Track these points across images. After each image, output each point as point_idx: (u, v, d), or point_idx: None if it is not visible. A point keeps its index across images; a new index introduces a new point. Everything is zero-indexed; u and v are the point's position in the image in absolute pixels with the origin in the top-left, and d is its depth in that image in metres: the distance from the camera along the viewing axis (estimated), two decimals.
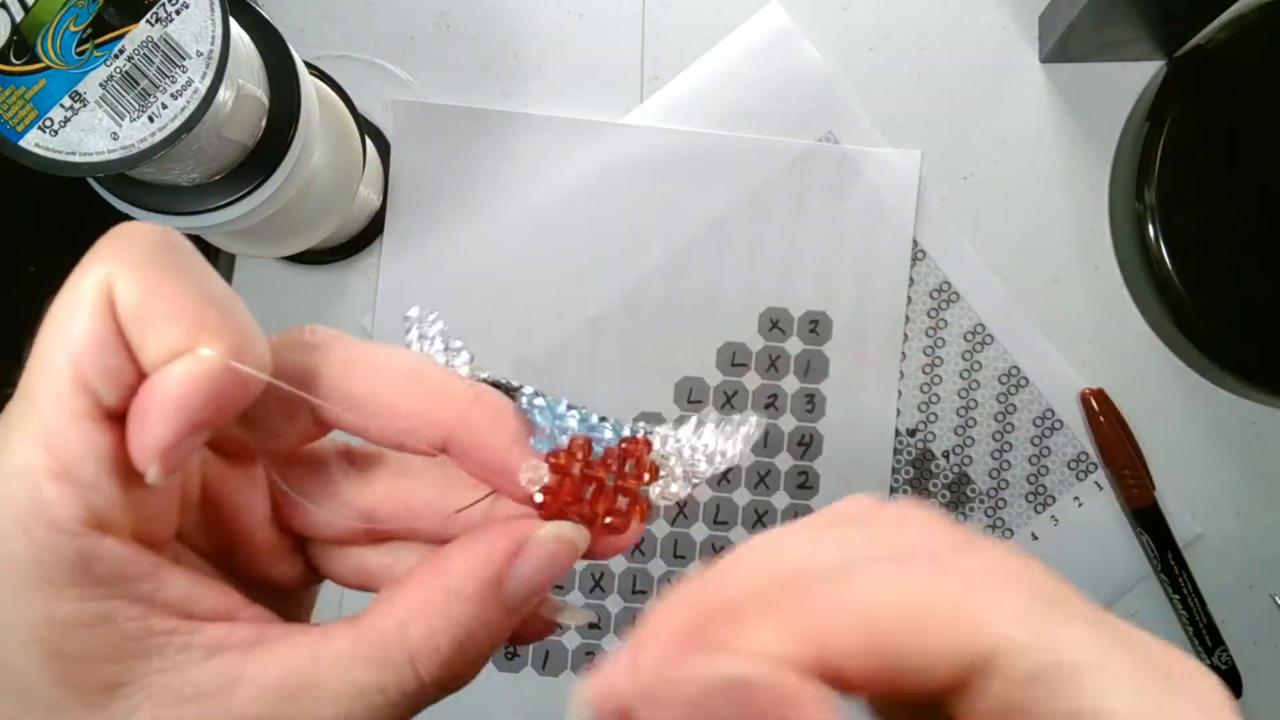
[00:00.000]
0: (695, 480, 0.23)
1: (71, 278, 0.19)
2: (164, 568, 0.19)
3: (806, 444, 0.55)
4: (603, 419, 0.23)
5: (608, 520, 0.22)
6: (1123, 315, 0.55)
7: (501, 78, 0.54)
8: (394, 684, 0.20)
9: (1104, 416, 0.54)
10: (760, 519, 0.55)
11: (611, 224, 0.54)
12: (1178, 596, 0.54)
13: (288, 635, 0.20)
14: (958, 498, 0.55)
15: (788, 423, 0.55)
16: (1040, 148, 0.55)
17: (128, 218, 0.38)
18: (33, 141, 0.32)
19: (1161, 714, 0.16)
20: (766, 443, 0.55)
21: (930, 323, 0.55)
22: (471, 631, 0.20)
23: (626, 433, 0.23)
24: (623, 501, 0.22)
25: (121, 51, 0.32)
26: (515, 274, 0.54)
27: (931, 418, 0.55)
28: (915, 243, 0.55)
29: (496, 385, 0.23)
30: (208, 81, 0.33)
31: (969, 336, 0.55)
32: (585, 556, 0.22)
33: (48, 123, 0.32)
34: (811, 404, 0.55)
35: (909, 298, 0.55)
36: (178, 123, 0.33)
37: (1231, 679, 0.55)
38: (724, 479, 0.55)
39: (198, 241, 0.50)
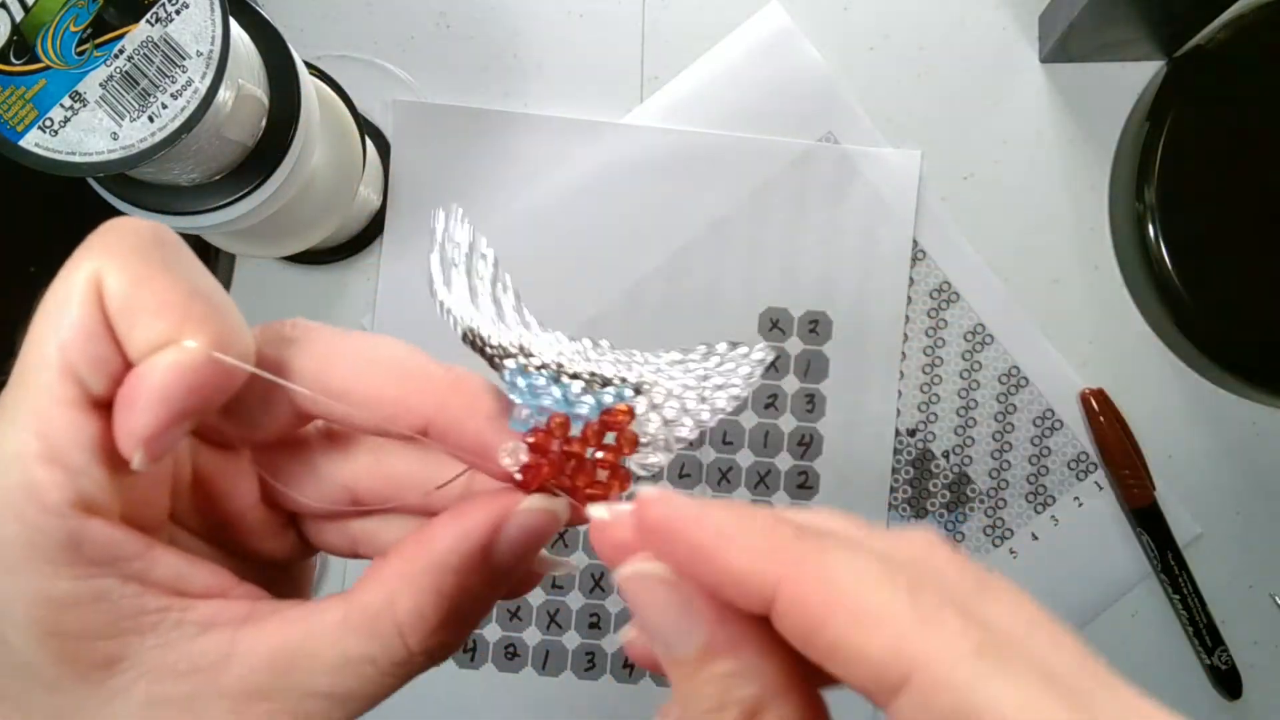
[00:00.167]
0: (679, 446, 0.23)
1: (62, 271, 0.19)
2: (155, 548, 0.20)
3: (806, 444, 0.55)
4: (586, 388, 0.23)
5: (589, 492, 0.22)
6: (1123, 315, 0.55)
7: (501, 78, 0.54)
8: (383, 654, 0.20)
9: (1104, 416, 0.54)
10: None
11: (611, 224, 0.54)
12: (1178, 596, 0.54)
13: (279, 610, 0.20)
14: (958, 498, 0.55)
15: (788, 423, 0.55)
16: (1040, 148, 0.55)
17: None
18: (33, 141, 0.32)
19: None
20: (767, 442, 0.55)
21: (930, 323, 0.55)
22: (457, 602, 0.21)
23: (609, 400, 0.23)
24: (602, 474, 0.22)
25: (121, 51, 0.32)
26: (515, 274, 0.54)
27: (931, 418, 0.55)
28: (915, 243, 0.55)
29: (485, 346, 0.23)
30: (208, 81, 0.33)
31: (969, 336, 0.55)
32: (571, 524, 0.23)
33: (48, 123, 0.32)
34: (811, 404, 0.55)
35: (909, 298, 0.55)
36: (178, 123, 0.33)
37: (1231, 679, 0.55)
38: (724, 479, 0.55)
39: (198, 241, 0.50)
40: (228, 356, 0.19)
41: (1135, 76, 0.54)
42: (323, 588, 0.54)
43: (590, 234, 0.54)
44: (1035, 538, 0.55)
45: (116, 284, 0.19)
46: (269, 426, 0.23)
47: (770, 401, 0.55)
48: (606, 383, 0.23)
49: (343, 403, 0.22)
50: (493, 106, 0.54)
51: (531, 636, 0.55)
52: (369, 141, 0.49)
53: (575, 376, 0.23)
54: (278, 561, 0.25)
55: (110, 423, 0.19)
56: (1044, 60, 0.55)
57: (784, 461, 0.55)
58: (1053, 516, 0.55)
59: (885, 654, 0.17)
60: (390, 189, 0.54)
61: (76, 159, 0.32)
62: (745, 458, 0.55)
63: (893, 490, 0.55)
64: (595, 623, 0.55)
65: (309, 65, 0.43)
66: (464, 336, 0.23)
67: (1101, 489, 0.55)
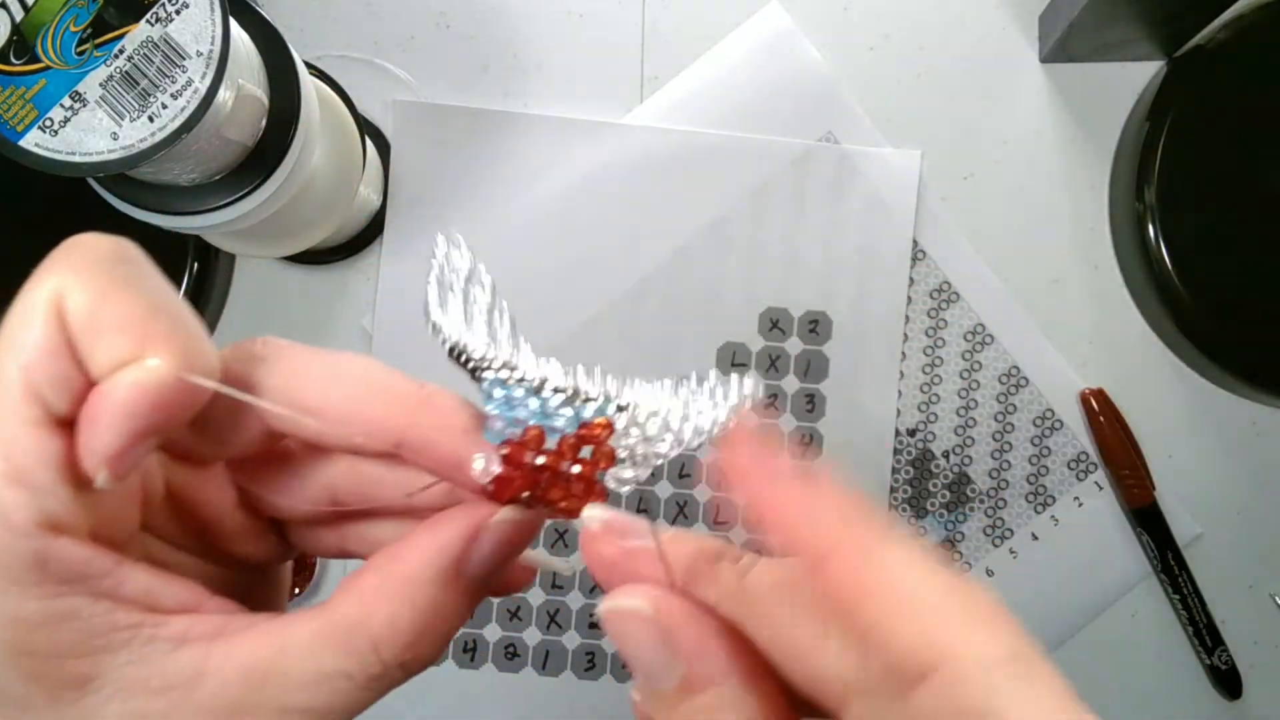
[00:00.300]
0: (657, 461, 0.23)
1: (24, 289, 0.19)
2: (124, 564, 0.20)
3: (806, 444, 0.55)
4: (566, 401, 0.23)
5: (562, 505, 0.22)
6: (1123, 315, 0.55)
7: (501, 78, 0.54)
8: (358, 669, 0.20)
9: (1104, 416, 0.54)
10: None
11: (611, 224, 0.54)
12: (1178, 596, 0.54)
13: (253, 625, 0.20)
14: (958, 498, 0.55)
15: (788, 423, 0.55)
16: (1040, 148, 0.55)
17: (128, 218, 0.38)
18: (33, 141, 0.32)
19: None
20: None
21: (930, 323, 0.55)
22: (432, 615, 0.21)
23: (589, 415, 0.23)
24: (577, 487, 0.22)
25: (121, 51, 0.32)
26: (515, 274, 0.54)
27: (931, 418, 0.55)
28: (915, 243, 0.55)
29: (467, 360, 0.23)
30: (208, 81, 0.33)
31: (969, 336, 0.55)
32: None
33: (48, 123, 0.32)
34: (811, 404, 0.55)
35: (909, 298, 0.55)
36: (178, 123, 0.33)
37: (1231, 679, 0.55)
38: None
39: (198, 241, 0.50)
40: (191, 374, 0.19)
41: (1135, 76, 0.54)
42: (324, 584, 0.54)
43: (590, 234, 0.54)
44: (1035, 538, 0.55)
45: (78, 302, 0.19)
46: (239, 443, 0.23)
47: (770, 401, 0.55)
48: (590, 399, 0.23)
49: (313, 420, 0.21)
50: (493, 106, 0.54)
51: (531, 636, 0.55)
52: (369, 141, 0.49)
53: (558, 390, 0.23)
54: (257, 564, 0.25)
55: (75, 440, 0.19)
56: (1044, 60, 0.55)
57: None
58: (1053, 516, 0.55)
59: (919, 641, 0.17)
60: (390, 189, 0.54)
61: (76, 159, 0.32)
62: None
63: (893, 490, 0.55)
64: (595, 623, 0.55)
65: (309, 65, 0.43)
66: (450, 352, 0.23)
67: (1101, 489, 0.55)
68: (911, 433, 0.55)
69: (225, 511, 0.23)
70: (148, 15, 0.32)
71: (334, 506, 0.24)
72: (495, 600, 0.55)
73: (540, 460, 0.22)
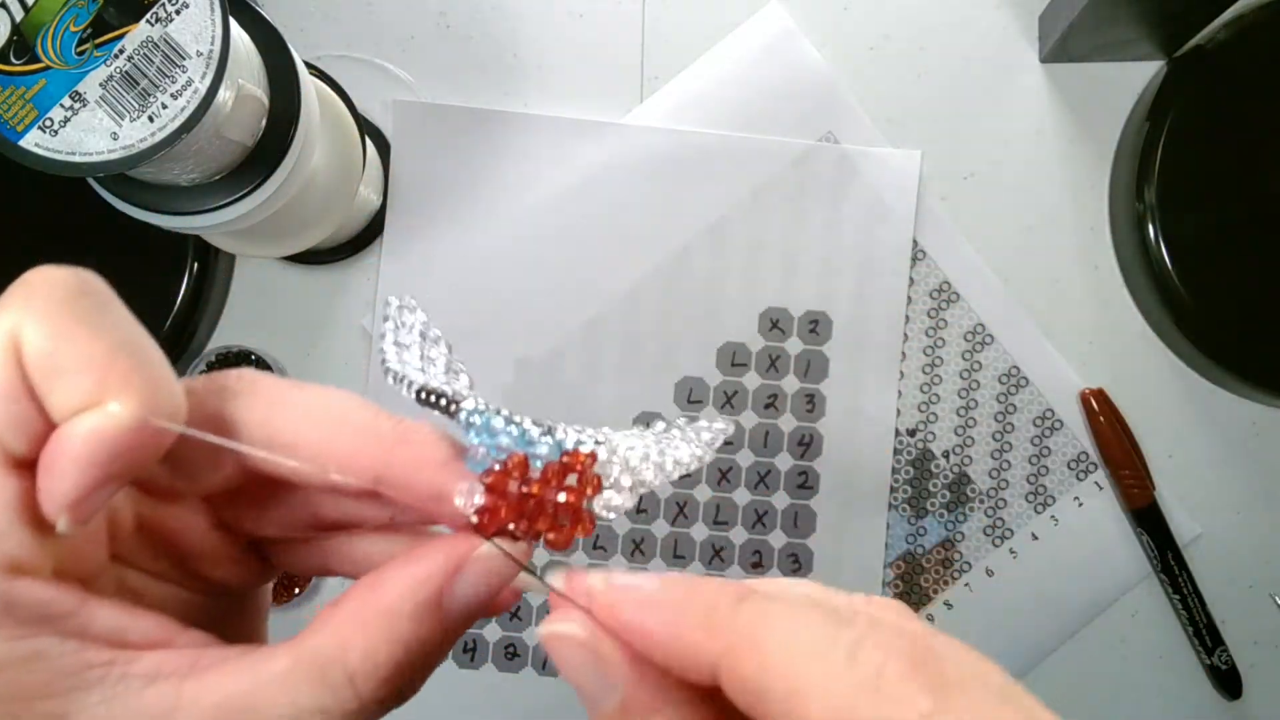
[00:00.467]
0: (642, 490, 0.22)
1: None
2: (90, 601, 0.19)
3: (806, 444, 0.55)
4: (547, 431, 0.22)
5: (550, 536, 0.22)
6: (1123, 315, 0.55)
7: (501, 78, 0.54)
8: (335, 704, 0.20)
9: (1104, 416, 0.54)
10: (760, 519, 0.55)
11: (612, 224, 0.54)
12: (1178, 596, 0.54)
13: (226, 659, 0.20)
14: (958, 498, 0.55)
15: (788, 423, 0.55)
16: (1040, 148, 0.55)
17: (128, 218, 0.38)
18: (33, 141, 0.32)
19: None
20: (767, 442, 0.55)
21: (930, 323, 0.55)
22: (411, 649, 0.20)
23: (570, 445, 0.22)
24: (564, 517, 0.22)
25: (121, 51, 0.32)
26: (515, 274, 0.54)
27: (931, 418, 0.55)
28: (915, 243, 0.55)
29: (440, 398, 0.22)
30: (208, 81, 0.33)
31: (969, 336, 0.55)
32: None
33: (48, 123, 0.32)
34: (811, 404, 0.55)
35: (909, 298, 0.55)
36: (178, 123, 0.33)
37: (1231, 679, 0.55)
38: (724, 479, 0.55)
39: (198, 241, 0.50)
40: (154, 417, 0.18)
41: (1135, 76, 0.54)
42: (322, 585, 0.54)
43: (590, 234, 0.54)
44: (1035, 538, 0.55)
45: (35, 340, 0.18)
46: (213, 480, 0.22)
47: (770, 401, 0.55)
48: (568, 432, 0.22)
49: (287, 457, 0.21)
50: (493, 106, 0.54)
51: (531, 636, 0.55)
52: (369, 141, 0.49)
53: (536, 424, 0.22)
54: (236, 589, 0.24)
55: (34, 482, 0.19)
56: (1044, 60, 0.55)
57: (784, 461, 0.55)
58: (1053, 516, 0.55)
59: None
60: (390, 189, 0.54)
61: (76, 159, 0.32)
62: (745, 458, 0.55)
63: (893, 490, 0.55)
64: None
65: (309, 65, 0.43)
66: (418, 396, 0.22)
67: (1101, 489, 0.55)
68: (911, 433, 0.55)
69: (199, 537, 0.23)
70: (148, 15, 0.32)
71: (315, 525, 0.23)
72: None
73: (525, 489, 0.21)
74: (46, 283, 0.19)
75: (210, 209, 0.38)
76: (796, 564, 0.55)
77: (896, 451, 0.55)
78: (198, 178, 0.37)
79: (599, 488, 0.22)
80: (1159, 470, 0.55)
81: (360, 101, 0.49)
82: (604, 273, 0.54)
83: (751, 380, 0.55)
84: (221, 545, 0.23)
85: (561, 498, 0.22)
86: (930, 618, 0.55)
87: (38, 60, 0.32)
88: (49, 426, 0.18)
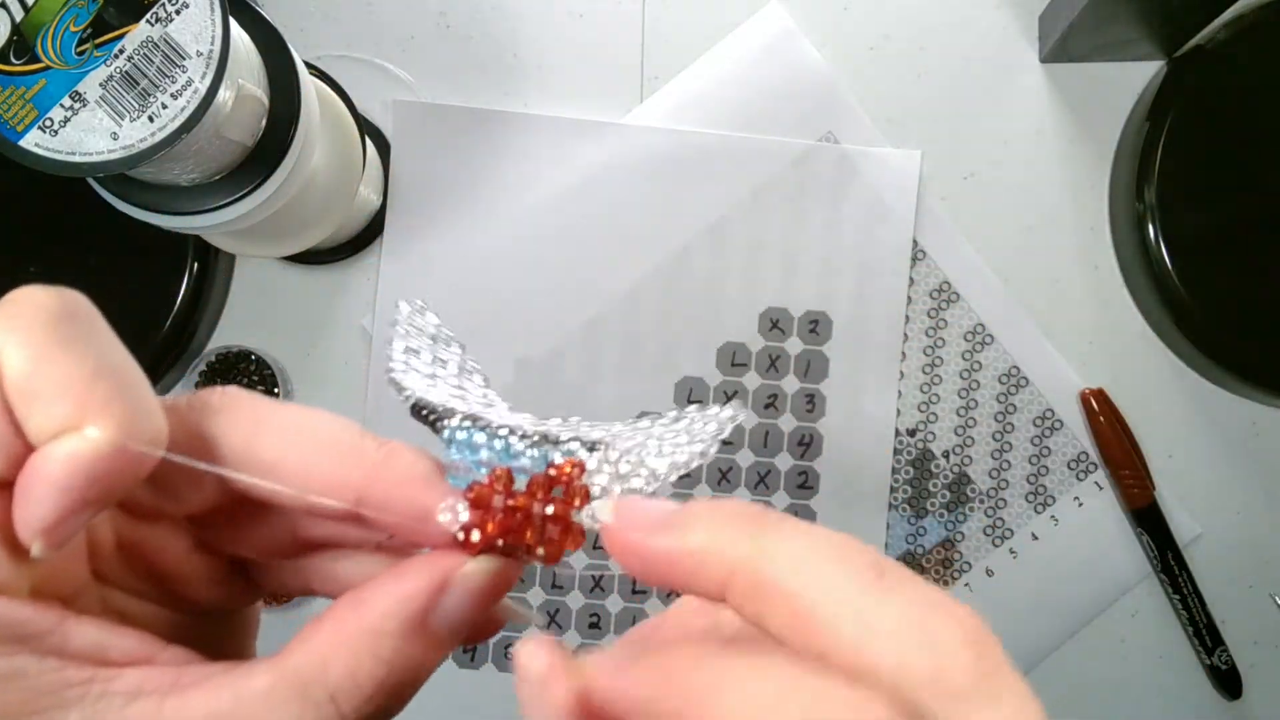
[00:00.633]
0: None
1: None
2: (69, 620, 0.19)
3: (806, 444, 0.55)
4: (534, 444, 0.22)
5: (539, 551, 0.21)
6: (1123, 315, 0.55)
7: (501, 78, 0.54)
8: None
9: (1104, 416, 0.54)
10: None
11: (612, 224, 0.54)
12: (1178, 596, 0.54)
13: (208, 676, 0.19)
14: (958, 498, 0.55)
15: (788, 423, 0.55)
16: (1040, 148, 0.55)
17: (128, 218, 0.38)
18: (33, 141, 0.32)
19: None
20: (767, 442, 0.55)
21: (930, 323, 0.55)
22: (394, 667, 0.20)
23: (558, 458, 0.22)
24: (553, 530, 0.21)
25: (121, 51, 0.32)
26: (515, 274, 0.54)
27: (931, 418, 0.55)
28: (915, 243, 0.55)
29: (429, 413, 0.22)
30: (208, 81, 0.33)
31: (969, 336, 0.55)
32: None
33: (48, 123, 0.32)
34: (811, 404, 0.55)
35: (909, 298, 0.55)
36: (178, 123, 0.33)
37: (1231, 679, 0.55)
38: (724, 479, 0.55)
39: (198, 241, 0.50)
40: (133, 442, 0.18)
41: (1135, 76, 0.54)
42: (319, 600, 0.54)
43: (590, 234, 0.54)
44: (1035, 538, 0.55)
45: (14, 362, 0.18)
46: (193, 501, 0.22)
47: (770, 401, 0.55)
48: (559, 442, 0.22)
49: (269, 478, 0.21)
50: (493, 106, 0.54)
51: (531, 635, 0.55)
52: (369, 141, 0.49)
53: (524, 437, 0.22)
54: (219, 608, 0.24)
55: (10, 505, 0.18)
56: (1044, 60, 0.55)
57: (784, 461, 0.55)
58: (1053, 516, 0.55)
59: (859, 673, 0.17)
60: (390, 189, 0.54)
61: (76, 159, 0.32)
62: (745, 458, 0.55)
63: (893, 490, 0.55)
64: (595, 623, 0.55)
65: (309, 65, 0.43)
66: (412, 410, 0.22)
67: (1101, 489, 0.55)
68: (911, 433, 0.55)
69: (180, 558, 0.23)
70: (148, 15, 0.32)
71: (298, 545, 0.23)
72: None
73: (510, 502, 0.21)
74: (28, 304, 0.19)
75: (210, 209, 0.38)
76: None
77: (896, 451, 0.55)
78: (198, 178, 0.37)
79: (587, 498, 0.21)
80: (1159, 470, 0.55)
81: (360, 101, 0.49)
82: (604, 273, 0.54)
83: (751, 380, 0.55)
84: (203, 566, 0.23)
85: (549, 510, 0.21)
86: None
87: (38, 60, 0.32)
88: (27, 449, 0.18)
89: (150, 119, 0.33)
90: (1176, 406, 0.55)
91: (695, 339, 0.55)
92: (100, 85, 0.32)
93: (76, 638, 0.19)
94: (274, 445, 0.21)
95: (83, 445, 0.18)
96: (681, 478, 0.55)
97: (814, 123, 0.55)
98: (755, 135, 0.54)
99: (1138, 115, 0.54)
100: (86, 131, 0.32)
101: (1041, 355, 0.55)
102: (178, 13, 0.32)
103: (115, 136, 0.32)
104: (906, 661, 0.17)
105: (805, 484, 0.55)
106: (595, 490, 0.21)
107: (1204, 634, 0.54)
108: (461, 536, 0.21)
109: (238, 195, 0.38)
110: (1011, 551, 0.55)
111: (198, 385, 0.53)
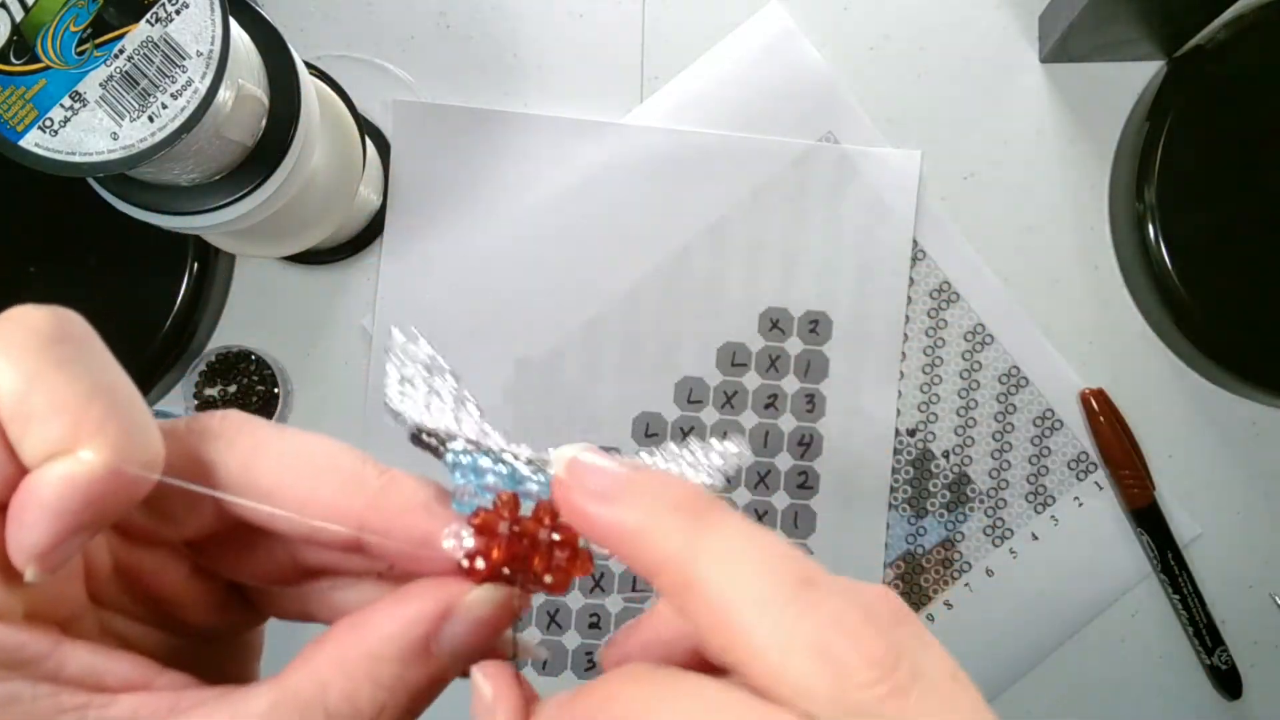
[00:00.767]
0: None
1: None
2: (64, 644, 0.19)
3: (806, 444, 0.55)
4: (539, 470, 0.21)
5: (547, 579, 0.21)
6: (1123, 315, 0.55)
7: (501, 78, 0.54)
8: None
9: (1104, 416, 0.54)
10: (760, 519, 0.55)
11: (612, 224, 0.54)
12: (1178, 596, 0.54)
13: (205, 700, 0.19)
14: (958, 498, 0.55)
15: (788, 423, 0.55)
16: (1040, 148, 0.55)
17: (128, 218, 0.38)
18: (33, 141, 0.32)
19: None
20: (767, 442, 0.55)
21: (930, 323, 0.55)
22: (395, 693, 0.20)
23: None
24: (560, 557, 0.21)
25: (121, 51, 0.32)
26: (515, 274, 0.54)
27: (931, 418, 0.55)
28: (915, 243, 0.55)
29: (430, 438, 0.22)
30: (208, 81, 0.33)
31: (969, 336, 0.55)
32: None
33: (48, 123, 0.32)
34: (811, 404, 0.55)
35: (909, 298, 0.55)
36: (178, 123, 0.33)
37: (1231, 679, 0.55)
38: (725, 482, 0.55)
39: (198, 241, 0.50)
40: (128, 465, 0.18)
41: (1135, 76, 0.54)
42: None
43: (590, 234, 0.54)
44: (1035, 538, 0.55)
45: (7, 384, 0.18)
46: (190, 525, 0.22)
47: (770, 401, 0.55)
48: None
49: (267, 505, 0.20)
50: (493, 106, 0.54)
51: (531, 636, 0.55)
52: (369, 141, 0.49)
53: (529, 462, 0.21)
54: (218, 633, 0.24)
55: (3, 526, 0.18)
56: (1044, 60, 0.55)
57: (784, 461, 0.55)
58: (1053, 516, 0.55)
59: (768, 682, 0.17)
60: (390, 189, 0.54)
61: (76, 159, 0.32)
62: (746, 455, 0.55)
63: (893, 490, 0.55)
64: (595, 623, 0.55)
65: (309, 65, 0.43)
66: (412, 438, 0.22)
67: (1101, 489, 0.55)
68: (911, 433, 0.55)
69: (178, 583, 0.22)
70: (148, 15, 0.32)
71: (297, 572, 0.23)
72: None
73: (516, 528, 0.20)
74: (23, 324, 0.18)
75: (210, 209, 0.38)
76: None
77: (896, 451, 0.55)
78: (198, 178, 0.37)
79: None
80: (1159, 470, 0.55)
81: (360, 101, 0.49)
82: (604, 273, 0.54)
83: (751, 380, 0.55)
84: (201, 591, 0.23)
85: (555, 536, 0.21)
86: (930, 618, 0.55)
87: (38, 60, 0.32)
88: (20, 472, 0.18)
89: (150, 119, 0.33)
90: (1176, 406, 0.55)
91: (695, 339, 0.55)
92: (100, 85, 0.32)
93: (72, 663, 0.19)
94: (273, 471, 0.21)
95: (77, 468, 0.17)
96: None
97: (814, 123, 0.55)
98: (755, 135, 0.54)
99: (1138, 115, 0.54)
100: (86, 131, 0.32)
101: (1041, 355, 0.55)
102: (178, 13, 0.32)
103: (115, 136, 0.32)
104: (810, 680, 0.17)
105: (805, 484, 0.55)
106: None
107: (1204, 634, 0.54)
108: (466, 563, 0.20)
109: (238, 195, 0.38)
110: (1011, 551, 0.55)
111: (198, 385, 0.53)
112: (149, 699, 0.19)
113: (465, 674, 0.21)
